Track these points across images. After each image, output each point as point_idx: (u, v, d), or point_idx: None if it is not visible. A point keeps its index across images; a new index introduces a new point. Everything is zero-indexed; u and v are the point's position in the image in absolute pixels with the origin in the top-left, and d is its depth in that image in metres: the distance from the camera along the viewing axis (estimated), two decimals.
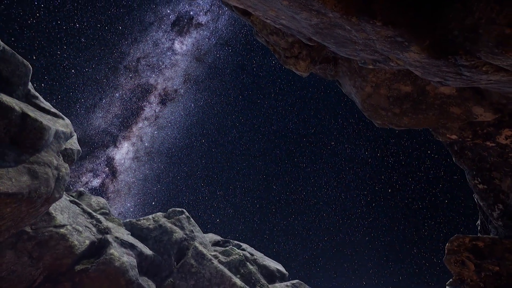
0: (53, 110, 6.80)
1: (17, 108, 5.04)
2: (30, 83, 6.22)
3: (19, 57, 5.65)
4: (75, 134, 7.96)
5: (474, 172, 7.03)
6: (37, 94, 6.38)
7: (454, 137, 6.79)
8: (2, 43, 5.21)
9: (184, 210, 14.35)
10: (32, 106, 6.11)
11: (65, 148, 7.08)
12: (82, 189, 12.52)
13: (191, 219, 14.23)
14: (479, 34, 2.18)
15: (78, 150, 7.80)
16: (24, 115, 5.13)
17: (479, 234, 7.78)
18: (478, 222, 8.02)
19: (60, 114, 7.07)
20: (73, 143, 7.62)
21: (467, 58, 2.48)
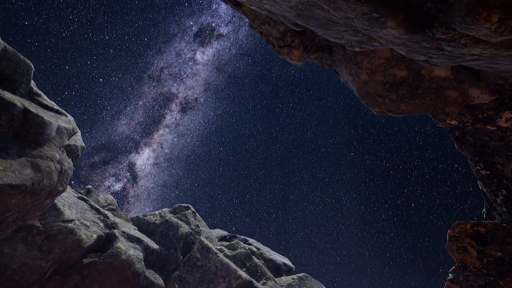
0: (56, 107, 7.03)
1: (18, 103, 5.24)
2: (32, 81, 6.44)
3: (21, 55, 5.86)
4: (79, 131, 8.19)
5: (476, 158, 6.91)
6: (40, 92, 6.60)
7: (454, 122, 6.68)
8: (3, 42, 5.43)
9: (190, 205, 14.56)
10: (35, 103, 6.33)
11: (69, 144, 7.31)
12: (90, 186, 12.87)
13: (197, 214, 14.43)
14: (450, 4, 2.16)
15: (82, 147, 8.03)
16: (26, 111, 5.33)
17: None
18: (484, 210, 7.87)
19: (63, 111, 7.29)
20: (77, 140, 7.85)
21: (443, 30, 2.45)
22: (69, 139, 7.34)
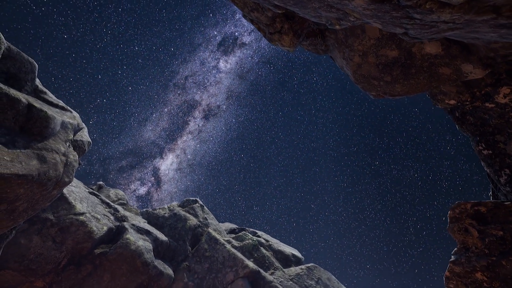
0: (61, 104, 7.37)
1: (23, 99, 5.56)
2: (37, 79, 6.78)
3: (24, 55, 6.20)
4: (85, 127, 8.54)
5: (478, 138, 6.78)
6: (45, 89, 6.94)
7: (452, 102, 6.57)
8: (7, 42, 5.76)
9: (198, 199, 14.86)
10: (40, 100, 6.67)
11: (76, 140, 7.65)
12: (101, 182, 13.36)
13: (205, 207, 14.71)
14: None
15: (89, 142, 8.38)
16: (30, 106, 5.65)
17: None
18: (490, 193, 7.69)
19: (68, 107, 7.63)
20: (84, 135, 8.20)
21: None
22: (75, 134, 7.68)
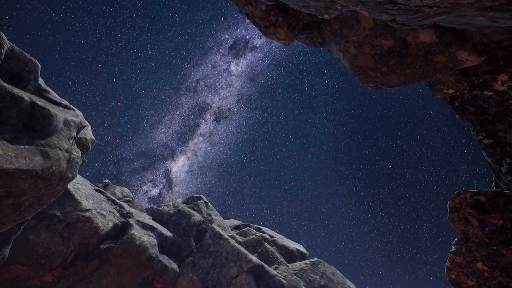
0: (64, 102, 7.56)
1: (26, 98, 5.74)
2: (40, 78, 6.98)
3: (27, 55, 6.39)
4: (89, 125, 8.74)
5: (478, 127, 6.72)
6: (48, 88, 7.14)
7: (451, 91, 6.51)
8: (9, 43, 5.95)
9: (202, 196, 15.02)
10: (44, 99, 6.87)
11: (79, 137, 7.84)
12: (107, 180, 13.64)
13: (209, 204, 14.87)
14: None
15: (92, 140, 8.57)
16: (33, 104, 5.84)
17: None
18: (493, 184, 7.61)
19: (71, 106, 7.83)
20: (87, 133, 8.40)
21: None
22: (78, 132, 7.87)
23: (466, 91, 6.26)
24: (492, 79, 5.65)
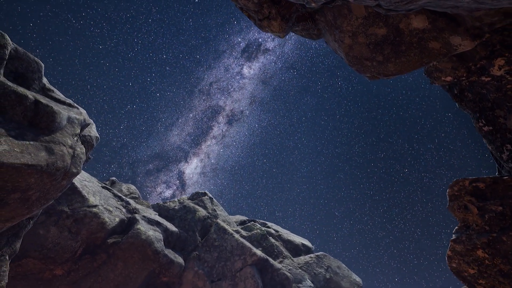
0: (68, 101, 7.81)
1: (30, 96, 5.97)
2: (44, 78, 7.22)
3: (31, 55, 6.62)
4: (93, 123, 8.99)
5: (478, 114, 6.66)
6: (52, 87, 7.38)
7: (449, 78, 6.46)
8: (13, 43, 6.19)
9: (207, 191, 15.22)
10: (48, 98, 7.11)
11: (84, 135, 8.09)
12: (114, 178, 13.97)
13: (214, 200, 15.05)
14: None
15: (97, 137, 8.82)
16: (37, 102, 6.07)
17: None
18: (496, 173, 7.51)
19: (75, 104, 8.07)
20: (91, 131, 8.64)
21: None
22: (82, 130, 8.11)
23: (464, 78, 6.20)
24: (489, 64, 5.59)
